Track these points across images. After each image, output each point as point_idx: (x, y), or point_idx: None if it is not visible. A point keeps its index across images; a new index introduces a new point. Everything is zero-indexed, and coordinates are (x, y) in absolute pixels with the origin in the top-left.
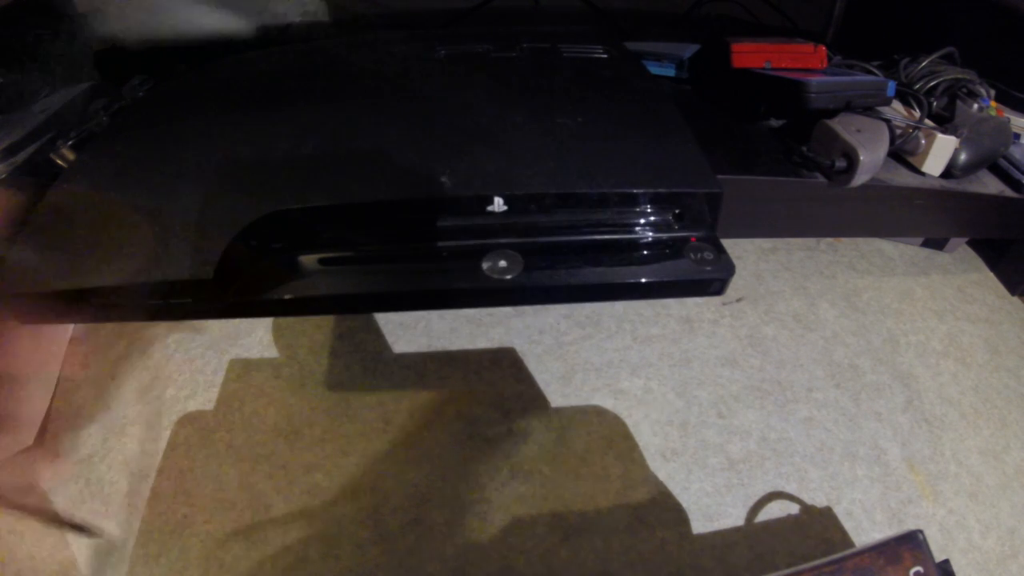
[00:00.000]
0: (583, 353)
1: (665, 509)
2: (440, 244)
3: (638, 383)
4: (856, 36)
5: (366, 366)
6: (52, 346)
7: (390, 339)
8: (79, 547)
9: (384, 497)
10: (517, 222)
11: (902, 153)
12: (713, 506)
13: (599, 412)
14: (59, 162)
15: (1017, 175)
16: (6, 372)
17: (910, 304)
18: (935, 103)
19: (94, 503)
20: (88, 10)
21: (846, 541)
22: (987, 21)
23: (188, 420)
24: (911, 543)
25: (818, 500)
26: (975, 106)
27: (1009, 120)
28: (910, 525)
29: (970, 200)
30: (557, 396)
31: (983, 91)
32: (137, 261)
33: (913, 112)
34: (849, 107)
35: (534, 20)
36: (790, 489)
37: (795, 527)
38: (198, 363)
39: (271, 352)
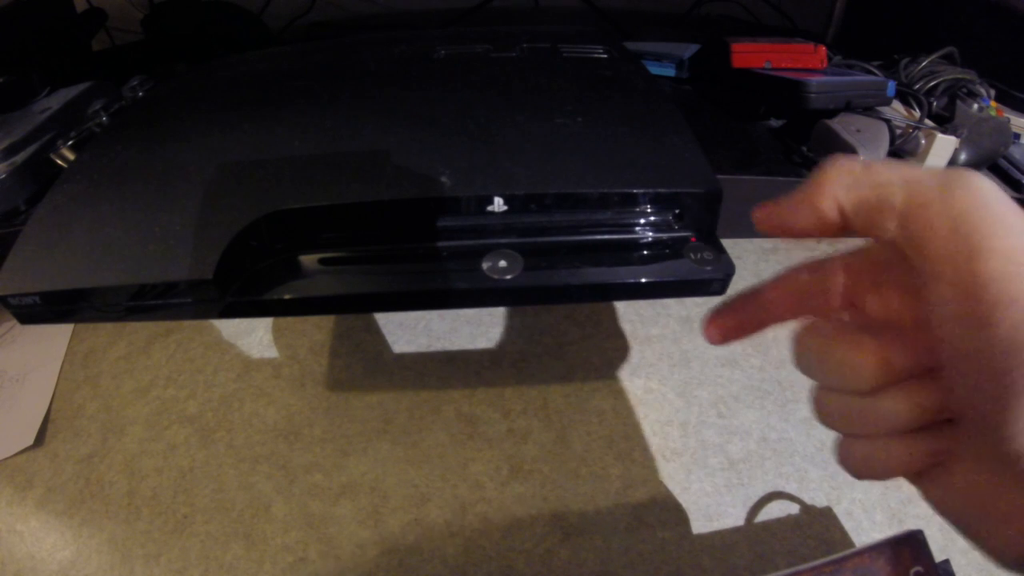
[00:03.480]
0: (583, 353)
1: (665, 509)
2: (440, 244)
3: (638, 383)
4: (856, 36)
5: (366, 366)
6: (52, 346)
7: (390, 339)
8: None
9: (384, 497)
10: (517, 222)
11: (902, 153)
12: (713, 506)
13: (599, 412)
14: (59, 162)
15: (1017, 175)
16: (6, 372)
17: None
18: (935, 103)
19: (94, 503)
20: None
21: (846, 541)
22: (987, 21)
23: (188, 420)
24: (911, 543)
25: (818, 500)
26: (975, 106)
27: (1009, 120)
28: (910, 525)
29: None
30: (557, 396)
31: (983, 91)
32: (137, 261)
33: (913, 112)
34: (849, 107)
35: (534, 20)
36: (790, 489)
37: (795, 527)
38: (198, 363)
39: (271, 352)
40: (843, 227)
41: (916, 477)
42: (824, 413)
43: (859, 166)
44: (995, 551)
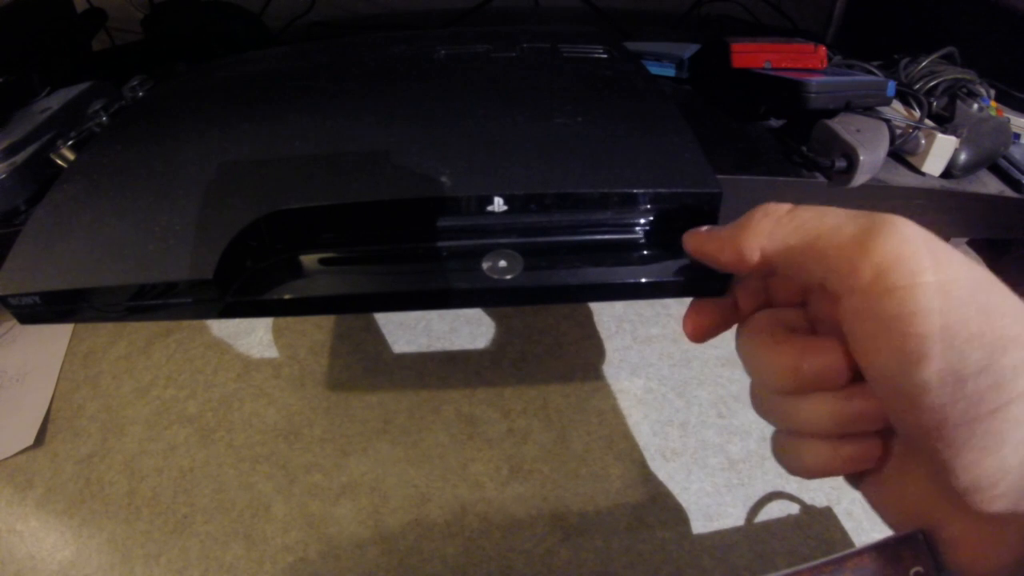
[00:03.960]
0: (583, 353)
1: (665, 509)
2: (440, 244)
3: (638, 383)
4: (856, 36)
5: (366, 366)
6: (52, 346)
7: (390, 339)
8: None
9: (384, 497)
10: (517, 222)
11: (902, 153)
12: (713, 506)
13: (599, 412)
14: (59, 162)
15: (1017, 175)
16: (6, 372)
17: None
18: (935, 103)
19: (94, 503)
20: None
21: (846, 541)
22: (987, 21)
23: (188, 420)
24: (911, 543)
25: (818, 500)
26: (975, 106)
27: (1009, 120)
28: None
29: (970, 200)
30: (557, 396)
31: (983, 91)
32: (137, 261)
33: (913, 112)
34: (849, 107)
35: (534, 20)
36: (790, 489)
37: (795, 527)
38: (198, 363)
39: (271, 352)
40: (765, 268)
41: (856, 482)
42: (755, 405)
43: (784, 212)
44: (944, 568)
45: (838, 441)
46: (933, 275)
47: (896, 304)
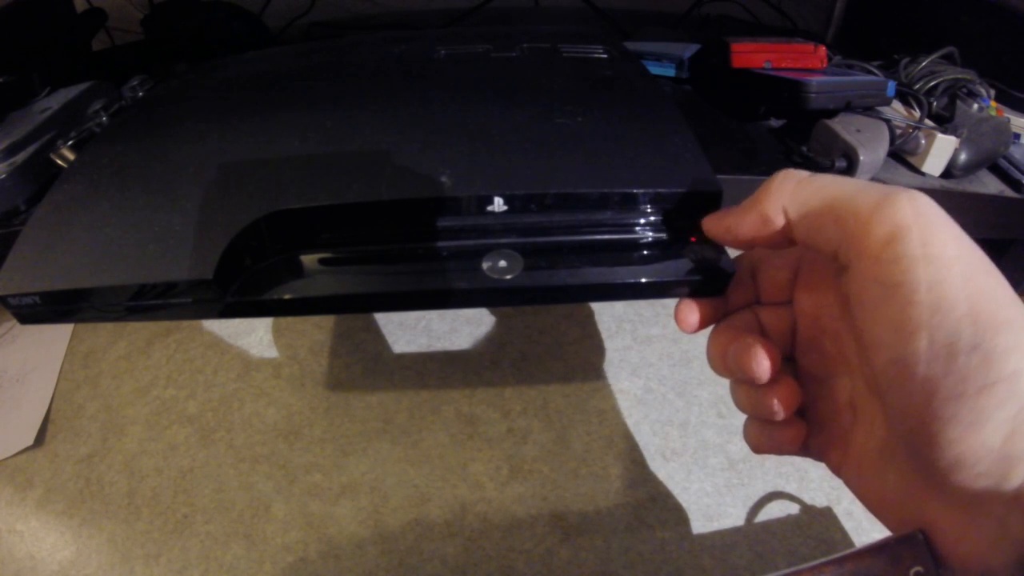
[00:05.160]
0: (583, 353)
1: (665, 509)
2: (440, 244)
3: (638, 383)
4: (856, 36)
5: (366, 366)
6: (52, 346)
7: (390, 339)
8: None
9: (384, 497)
10: (517, 222)
11: (902, 153)
12: (713, 506)
13: (599, 412)
14: (59, 162)
15: (1017, 175)
16: (6, 372)
17: None
18: (935, 103)
19: (94, 503)
20: None
21: (846, 541)
22: (987, 21)
23: (188, 420)
24: (911, 543)
25: (818, 500)
26: (975, 106)
27: (1009, 120)
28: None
29: (970, 200)
30: (557, 396)
31: (983, 91)
32: (137, 261)
33: (913, 112)
34: (849, 107)
35: (534, 20)
36: (790, 489)
37: (795, 527)
38: (198, 363)
39: (271, 352)
40: (786, 233)
41: (836, 469)
42: None
43: (806, 176)
44: (943, 563)
45: (767, 424)
46: (940, 249)
47: (900, 273)
